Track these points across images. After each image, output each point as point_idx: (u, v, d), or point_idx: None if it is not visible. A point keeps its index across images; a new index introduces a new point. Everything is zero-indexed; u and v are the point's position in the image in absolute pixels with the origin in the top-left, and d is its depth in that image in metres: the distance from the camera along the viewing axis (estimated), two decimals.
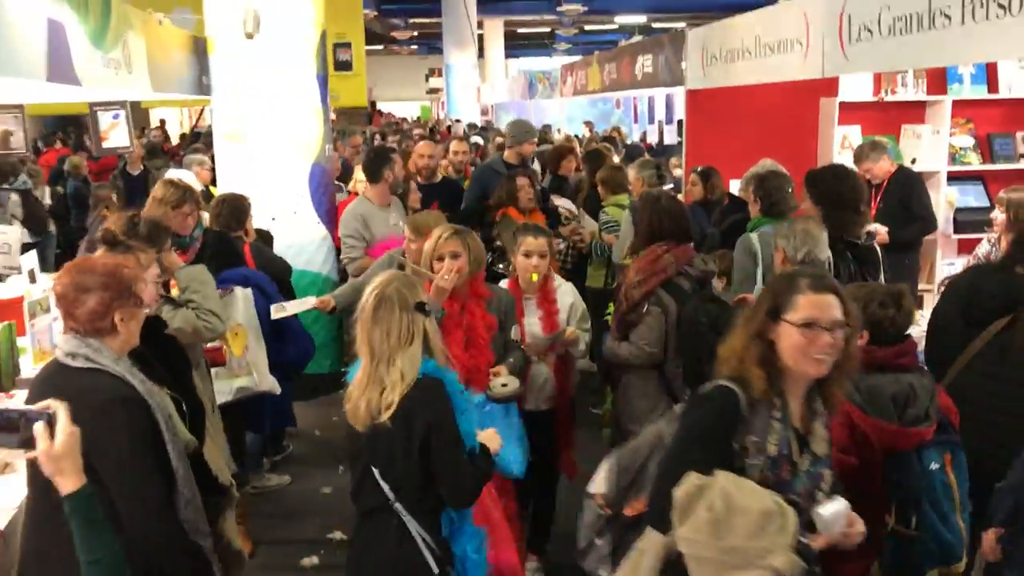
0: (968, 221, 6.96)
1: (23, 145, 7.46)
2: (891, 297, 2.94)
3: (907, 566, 2.87)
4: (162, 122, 22.49)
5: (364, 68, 15.05)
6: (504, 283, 4.25)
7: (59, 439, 1.91)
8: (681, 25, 16.90)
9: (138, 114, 18.31)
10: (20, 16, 3.17)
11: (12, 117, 7.41)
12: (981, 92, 7.03)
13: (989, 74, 7.03)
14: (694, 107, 7.05)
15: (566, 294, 4.25)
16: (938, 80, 6.99)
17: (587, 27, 31.40)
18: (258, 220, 6.14)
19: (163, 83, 5.44)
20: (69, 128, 20.14)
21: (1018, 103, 7.04)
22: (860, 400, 2.82)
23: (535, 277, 4.08)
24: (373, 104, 27.47)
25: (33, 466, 2.25)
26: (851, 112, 6.97)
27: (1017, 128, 7.13)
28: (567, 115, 17.64)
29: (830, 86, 6.82)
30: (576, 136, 12.87)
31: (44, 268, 6.73)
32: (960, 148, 7.11)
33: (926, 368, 3.11)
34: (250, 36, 6.16)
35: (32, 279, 5.66)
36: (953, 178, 7.07)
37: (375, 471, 2.77)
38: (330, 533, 4.94)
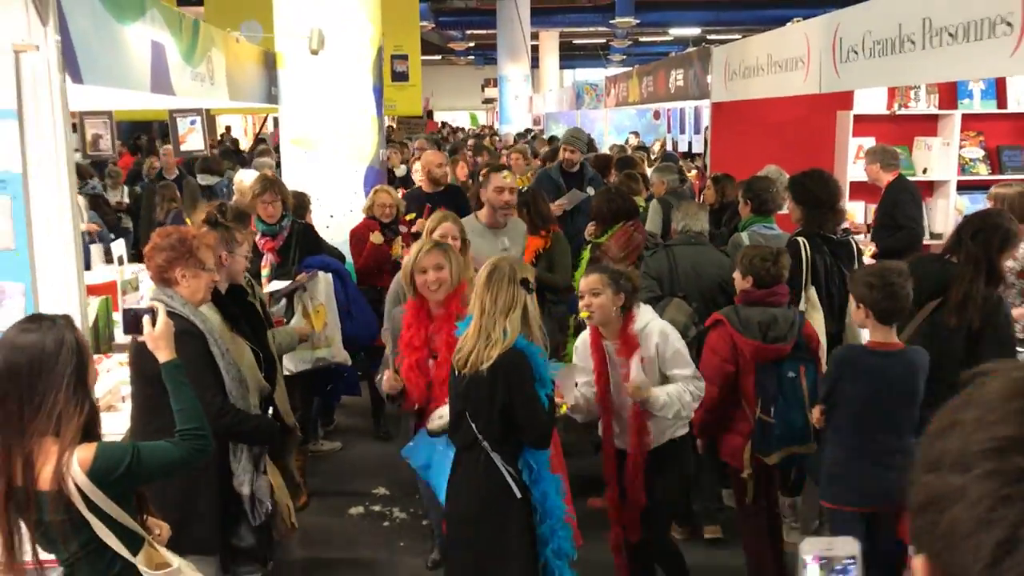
0: None
1: (111, 148, 8.31)
2: (771, 255, 3.95)
3: (768, 444, 3.93)
4: (228, 128, 23.60)
5: (420, 79, 15.80)
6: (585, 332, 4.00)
7: (158, 327, 2.70)
8: (737, 38, 17.37)
9: (208, 121, 19.33)
10: (132, 39, 3.92)
11: (102, 122, 8.26)
12: (991, 107, 7.47)
13: (999, 90, 7.48)
14: (718, 118, 7.63)
15: (651, 334, 3.79)
16: (949, 95, 7.46)
17: (641, 39, 31.97)
18: (318, 216, 6.91)
19: (238, 93, 6.19)
20: (140, 133, 21.29)
21: None
22: (738, 324, 3.93)
23: (585, 315, 3.85)
24: (430, 113, 28.32)
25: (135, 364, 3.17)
26: (866, 124, 7.47)
27: None
28: (614, 125, 18.21)
29: (845, 100, 7.33)
30: (622, 145, 13.46)
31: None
32: (970, 159, 7.56)
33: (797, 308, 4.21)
34: (315, 52, 6.91)
35: (121, 263, 6.47)
36: (963, 187, 7.52)
37: (467, 413, 3.32)
38: (375, 488, 5.62)
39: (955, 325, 3.68)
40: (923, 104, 7.47)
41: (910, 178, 7.41)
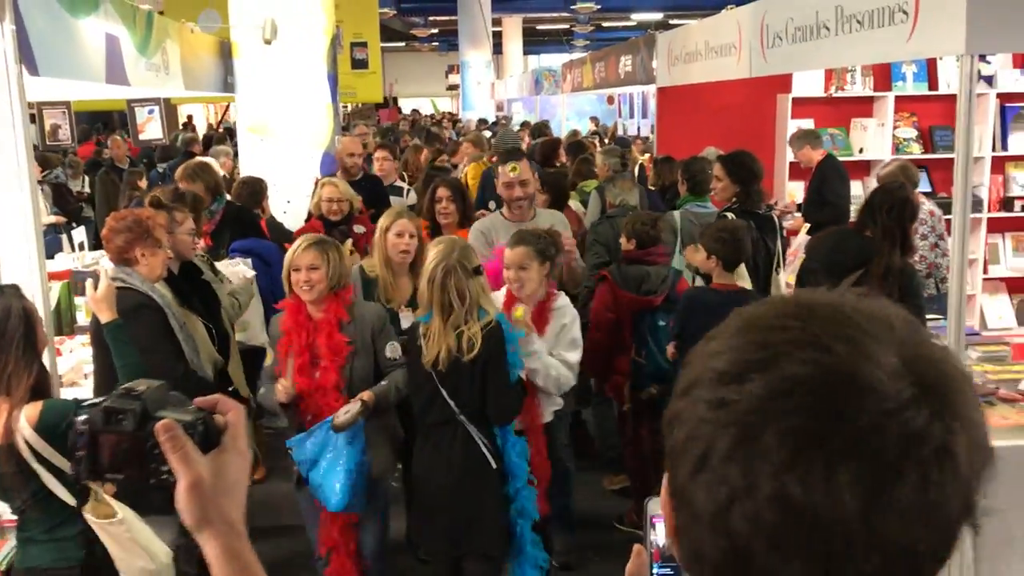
0: None
1: (70, 138, 8.47)
2: (650, 220, 4.56)
3: (641, 381, 4.56)
4: (189, 117, 23.57)
5: (380, 66, 15.96)
6: (501, 294, 3.98)
7: (100, 289, 3.10)
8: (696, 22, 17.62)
9: (168, 110, 19.40)
10: (86, 32, 4.10)
11: (60, 112, 8.43)
12: (923, 89, 7.81)
13: (930, 73, 7.81)
14: (664, 103, 7.90)
15: (564, 314, 3.99)
16: (883, 78, 7.78)
17: (604, 24, 32.22)
18: (275, 202, 7.10)
19: (194, 83, 6.36)
20: (97, 124, 21.26)
21: (955, 98, 7.77)
22: (619, 279, 4.53)
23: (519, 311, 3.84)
24: (394, 100, 28.38)
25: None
26: (804, 107, 7.77)
27: (955, 121, 7.88)
28: (576, 110, 18.45)
29: (784, 83, 7.62)
30: (574, 131, 13.71)
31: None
32: (904, 139, 7.89)
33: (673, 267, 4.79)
34: (268, 42, 7.09)
35: (82, 249, 6.65)
36: None
37: (444, 392, 3.46)
38: None
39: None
40: (859, 87, 7.78)
41: (847, 158, 7.76)
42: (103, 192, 9.71)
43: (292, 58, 7.40)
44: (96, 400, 1.12)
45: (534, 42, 36.42)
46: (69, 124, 8.26)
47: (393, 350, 3.77)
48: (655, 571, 1.07)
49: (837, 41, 4.46)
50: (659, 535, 1.07)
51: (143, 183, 9.77)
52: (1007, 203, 7.79)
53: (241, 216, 5.71)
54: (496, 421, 3.54)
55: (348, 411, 3.51)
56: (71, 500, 2.70)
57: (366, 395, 3.59)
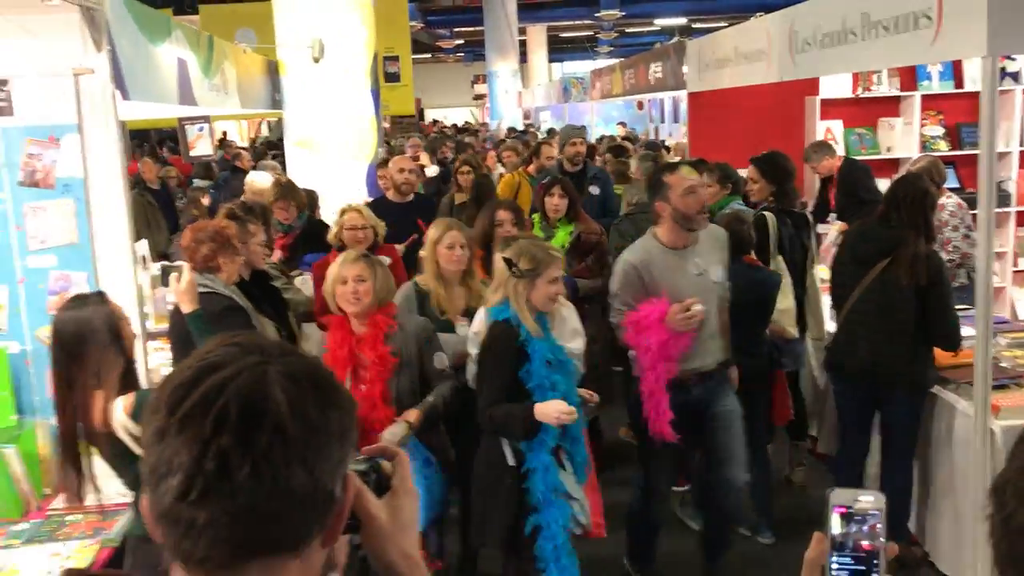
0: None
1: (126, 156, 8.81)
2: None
3: None
4: (224, 134, 24.07)
5: (412, 79, 16.30)
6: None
7: (183, 282, 3.49)
8: (724, 25, 17.83)
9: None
10: (162, 57, 4.44)
11: None
12: (949, 87, 7.99)
13: (955, 71, 7.99)
14: (695, 108, 8.13)
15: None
16: (909, 78, 7.98)
17: (628, 30, 32.48)
18: (325, 214, 7.42)
19: (248, 100, 6.71)
20: (140, 141, 21.80)
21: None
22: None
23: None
24: (421, 112, 28.78)
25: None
26: (833, 108, 7.99)
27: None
28: (603, 116, 18.70)
29: (812, 86, 7.85)
30: (612, 136, 13.95)
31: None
32: (931, 137, 8.08)
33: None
34: (317, 61, 7.43)
35: (144, 263, 6.99)
36: None
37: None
38: None
39: (907, 284, 4.18)
40: (885, 87, 7.98)
41: (875, 156, 7.98)
42: (140, 212, 10.01)
43: (337, 74, 7.72)
44: None
45: (559, 49, 36.75)
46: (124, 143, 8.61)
47: (441, 361, 3.80)
48: (833, 560, 1.09)
49: (864, 46, 4.69)
50: (836, 525, 1.09)
51: (206, 200, 10.09)
52: None
53: (313, 229, 6.07)
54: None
55: (393, 433, 3.52)
56: None
57: (412, 415, 3.61)
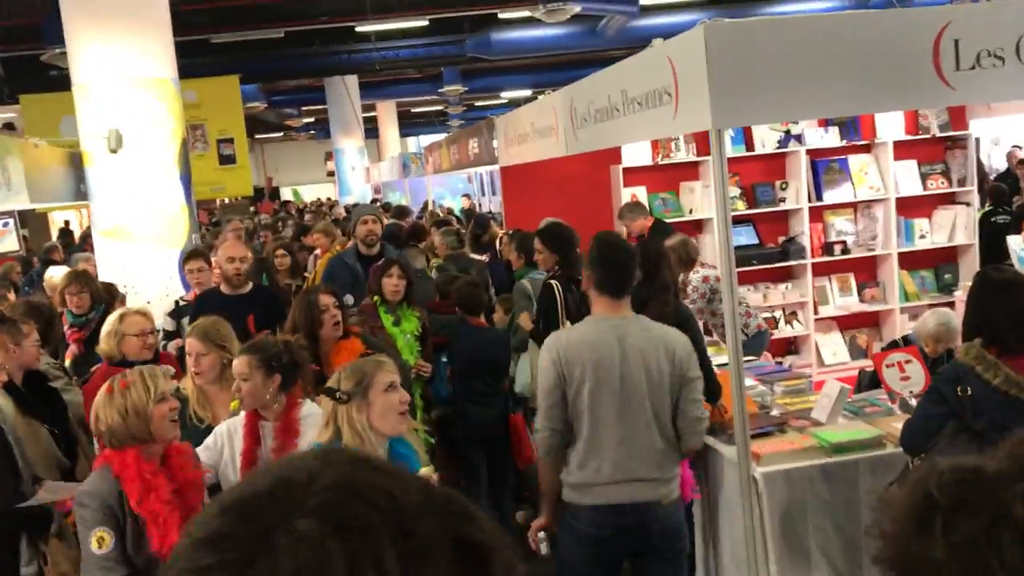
0: (740, 256, 8.36)
1: None
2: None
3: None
4: (66, 223, 23.21)
5: (248, 160, 16.20)
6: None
7: None
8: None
9: (37, 220, 19.21)
10: None
11: None
12: (741, 151, 8.52)
13: (747, 136, 8.54)
14: (508, 180, 8.41)
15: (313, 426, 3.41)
16: (704, 143, 8.46)
17: (476, 103, 33.23)
18: (134, 303, 7.23)
19: (40, 195, 6.53)
20: None
21: (771, 157, 8.54)
22: None
23: (234, 404, 3.60)
24: (275, 190, 28.51)
25: None
26: (636, 175, 8.39)
27: (773, 177, 8.63)
28: (450, 189, 18.99)
29: (615, 155, 8.23)
30: (435, 212, 14.18)
31: None
32: (729, 197, 8.56)
33: None
34: (114, 151, 7.31)
35: None
36: None
37: None
38: None
39: None
40: (683, 153, 8.45)
41: (679, 219, 8.39)
42: None
43: (143, 164, 7.61)
44: None
45: (411, 124, 37.24)
46: None
47: None
48: None
49: (625, 121, 5.00)
50: None
51: (11, 296, 9.67)
52: (828, 248, 8.52)
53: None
54: None
55: None
56: None
57: None
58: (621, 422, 3.59)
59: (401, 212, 11.44)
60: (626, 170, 8.27)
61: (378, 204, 18.12)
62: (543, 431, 3.64)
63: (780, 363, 8.44)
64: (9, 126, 20.57)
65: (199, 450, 3.44)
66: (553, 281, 5.35)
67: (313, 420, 3.42)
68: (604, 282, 3.78)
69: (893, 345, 5.64)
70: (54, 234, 19.38)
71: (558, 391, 3.61)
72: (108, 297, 6.22)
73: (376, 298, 5.46)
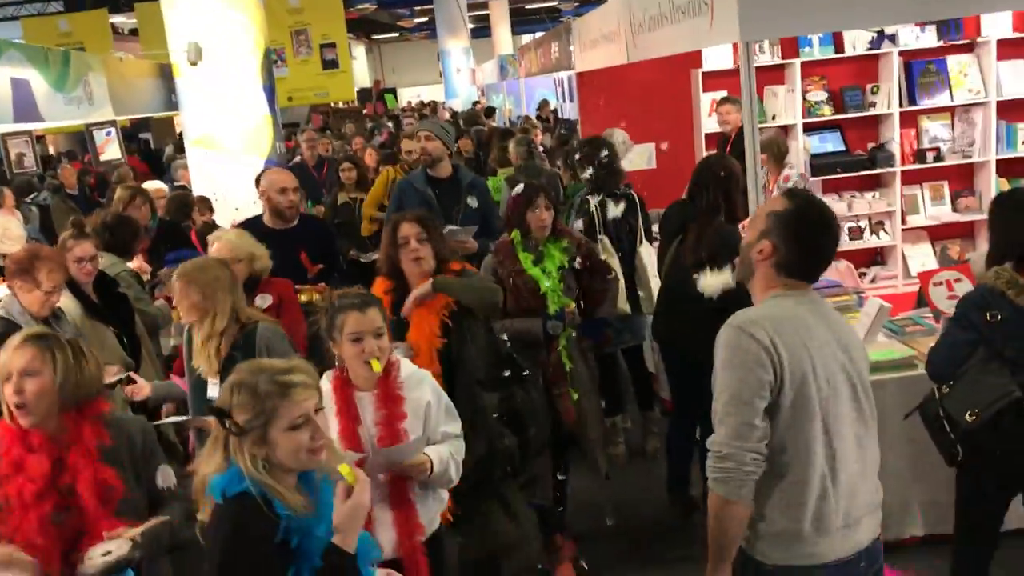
0: (824, 164, 8.10)
1: (34, 164, 9.02)
2: None
3: None
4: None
5: (350, 65, 16.42)
6: (327, 377, 3.00)
7: None
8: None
9: (162, 124, 20.03)
10: None
11: (23, 141, 8.98)
12: (829, 53, 8.13)
13: (836, 38, 8.13)
14: (584, 86, 8.30)
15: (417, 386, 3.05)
16: (790, 46, 8.11)
17: None
18: (223, 211, 7.61)
19: (125, 107, 6.88)
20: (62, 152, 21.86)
21: (862, 59, 8.12)
22: None
23: (376, 365, 2.93)
24: (380, 94, 28.78)
25: None
26: (716, 80, 8.13)
27: (865, 81, 8.23)
28: (539, 93, 18.68)
29: (696, 59, 8.00)
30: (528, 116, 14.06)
31: None
32: (815, 102, 8.23)
33: None
34: (194, 64, 7.58)
35: None
36: (811, 128, 8.20)
37: None
38: None
39: (689, 261, 4.40)
40: (767, 56, 8.12)
41: (763, 125, 8.10)
42: (57, 220, 10.23)
43: (226, 75, 7.88)
44: None
45: (524, 22, 36.62)
46: (32, 152, 8.79)
47: (166, 477, 2.82)
48: None
49: (671, 29, 4.89)
50: None
51: None
52: (920, 155, 8.12)
53: (172, 230, 6.24)
54: None
55: (109, 552, 2.50)
56: None
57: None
58: (860, 448, 2.57)
59: (473, 119, 11.36)
60: (706, 74, 8.03)
61: (480, 107, 18.13)
62: (738, 456, 2.39)
63: (864, 273, 8.25)
64: (135, 32, 21.36)
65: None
66: (589, 196, 5.31)
67: (417, 380, 3.06)
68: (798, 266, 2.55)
69: None
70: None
71: (767, 397, 2.42)
72: (180, 207, 6.53)
73: (515, 233, 4.40)
